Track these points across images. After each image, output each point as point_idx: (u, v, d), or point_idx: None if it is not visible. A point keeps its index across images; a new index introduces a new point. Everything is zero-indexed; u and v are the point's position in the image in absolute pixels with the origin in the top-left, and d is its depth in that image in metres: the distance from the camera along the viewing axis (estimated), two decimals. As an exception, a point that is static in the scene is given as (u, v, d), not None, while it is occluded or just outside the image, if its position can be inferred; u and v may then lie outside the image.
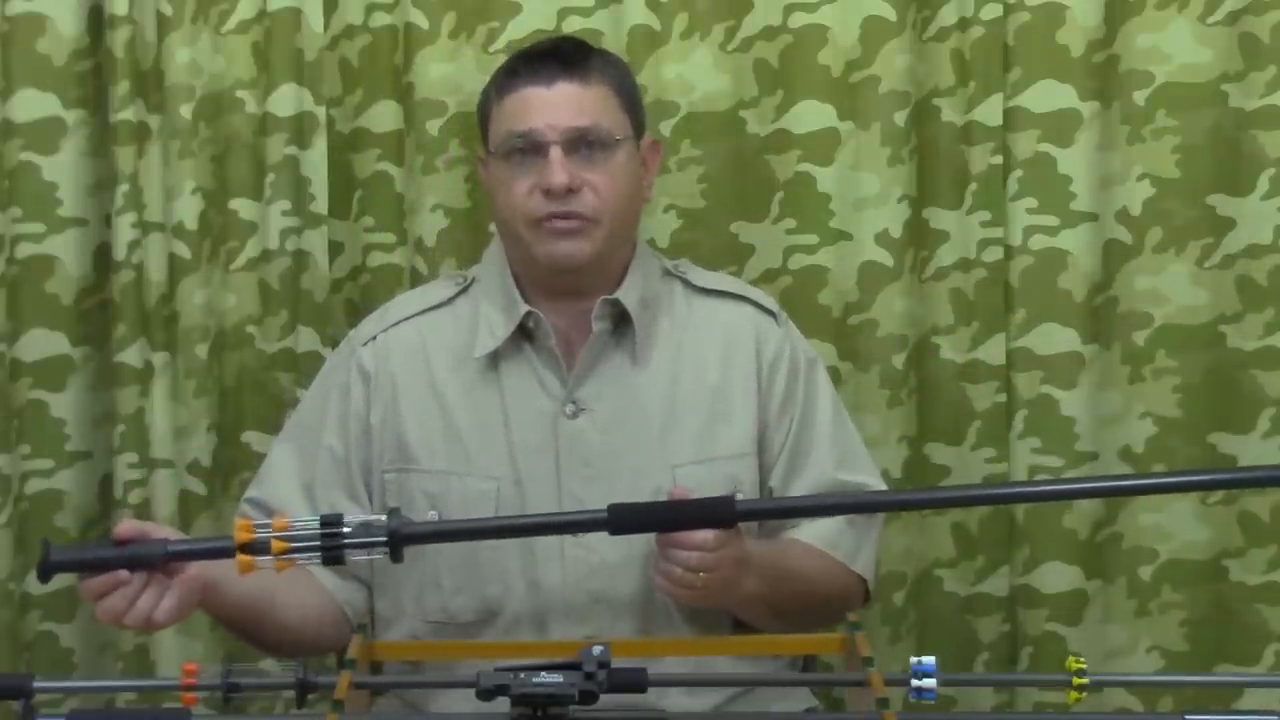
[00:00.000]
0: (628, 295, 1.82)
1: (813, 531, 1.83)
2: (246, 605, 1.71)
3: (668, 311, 1.87)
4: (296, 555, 1.44)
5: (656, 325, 1.85)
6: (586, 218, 1.77)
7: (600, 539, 1.70)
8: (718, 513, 1.44)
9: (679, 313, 1.87)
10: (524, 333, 1.82)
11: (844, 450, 1.89)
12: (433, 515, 1.79)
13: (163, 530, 1.57)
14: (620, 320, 1.83)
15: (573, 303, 1.82)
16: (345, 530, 1.44)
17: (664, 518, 1.45)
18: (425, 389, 1.83)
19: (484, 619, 1.79)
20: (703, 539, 1.60)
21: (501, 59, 2.20)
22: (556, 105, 1.77)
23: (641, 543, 1.72)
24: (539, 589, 1.77)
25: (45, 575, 1.48)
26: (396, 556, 1.46)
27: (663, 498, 1.75)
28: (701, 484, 1.78)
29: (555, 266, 1.79)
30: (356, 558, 1.43)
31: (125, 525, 1.53)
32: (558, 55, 1.81)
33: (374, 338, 1.87)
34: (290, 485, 1.84)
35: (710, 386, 1.84)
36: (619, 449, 1.80)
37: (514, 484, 1.79)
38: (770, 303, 1.93)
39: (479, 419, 1.81)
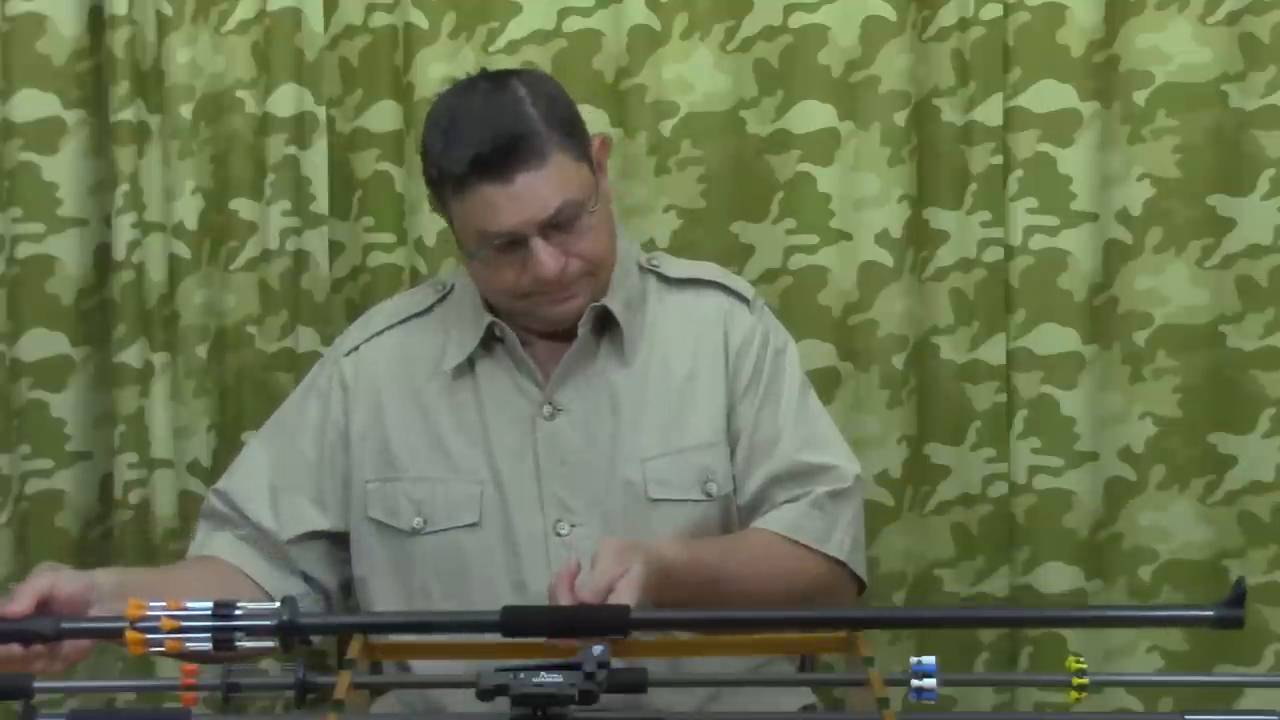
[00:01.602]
0: (614, 301, 1.81)
1: (776, 517, 1.80)
2: None
3: (642, 309, 1.86)
4: (187, 636, 1.44)
5: (633, 323, 1.84)
6: (578, 280, 1.76)
7: (585, 538, 1.72)
8: (612, 621, 1.43)
9: (651, 308, 1.86)
10: (495, 338, 1.82)
11: (809, 432, 1.85)
12: (418, 522, 1.79)
13: (63, 580, 1.55)
14: (599, 322, 1.82)
15: None
16: (237, 614, 1.45)
17: (557, 622, 1.45)
18: (408, 398, 1.83)
19: None
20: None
21: (501, 59, 2.21)
22: (523, 200, 1.70)
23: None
24: (525, 591, 1.76)
25: None
26: (287, 646, 1.45)
27: (635, 492, 1.75)
28: (671, 475, 1.78)
29: (557, 326, 1.80)
30: (247, 645, 1.43)
31: (19, 602, 1.51)
32: (505, 146, 1.69)
33: (356, 348, 1.87)
34: (257, 484, 1.84)
35: (679, 377, 1.83)
36: (594, 446, 1.79)
37: (495, 487, 1.79)
38: (745, 288, 1.90)
39: (460, 425, 1.81)
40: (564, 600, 1.55)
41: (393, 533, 1.80)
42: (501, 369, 1.82)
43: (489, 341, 1.82)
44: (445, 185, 1.75)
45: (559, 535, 1.77)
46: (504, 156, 1.70)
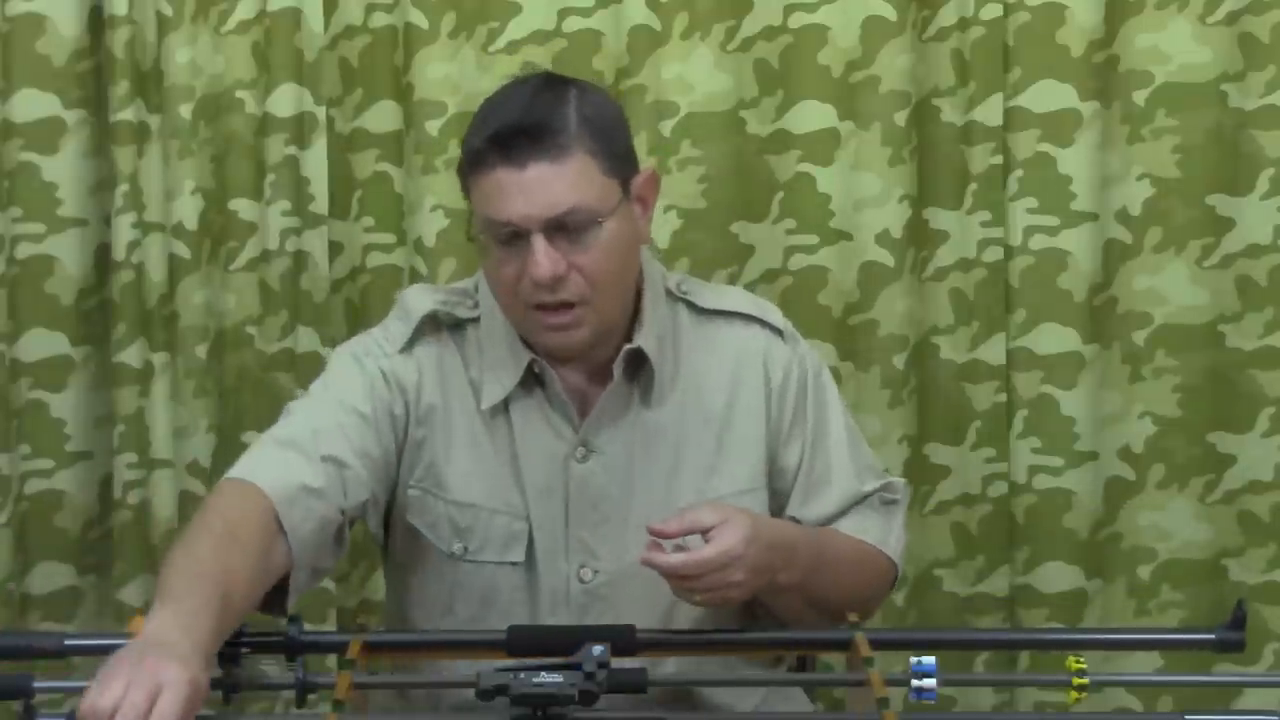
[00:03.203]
0: (647, 340, 1.74)
1: (840, 521, 1.79)
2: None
3: (674, 342, 1.79)
4: None
5: (665, 359, 1.77)
6: (576, 303, 1.67)
7: (606, 584, 1.69)
8: (618, 641, 1.44)
9: (685, 341, 1.79)
10: (533, 376, 1.75)
11: (862, 463, 1.83)
12: (459, 547, 1.74)
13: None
14: (633, 361, 1.75)
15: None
16: (244, 636, 1.48)
17: (560, 641, 1.46)
18: (452, 418, 1.75)
19: None
20: (707, 561, 1.57)
21: (501, 59, 2.21)
22: (531, 192, 1.62)
23: (645, 585, 1.66)
24: None
25: None
26: (291, 659, 1.46)
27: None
28: None
29: (553, 355, 1.72)
30: (262, 666, 1.45)
31: None
32: (529, 131, 1.62)
33: (410, 347, 1.75)
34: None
35: (716, 420, 1.77)
36: (627, 492, 1.74)
37: (526, 522, 1.73)
38: (779, 319, 1.83)
39: (498, 456, 1.74)
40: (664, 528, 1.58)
41: (430, 545, 1.76)
42: (536, 405, 1.75)
43: (526, 379, 1.74)
44: (466, 166, 1.68)
45: (582, 582, 1.73)
46: (523, 141, 1.63)
